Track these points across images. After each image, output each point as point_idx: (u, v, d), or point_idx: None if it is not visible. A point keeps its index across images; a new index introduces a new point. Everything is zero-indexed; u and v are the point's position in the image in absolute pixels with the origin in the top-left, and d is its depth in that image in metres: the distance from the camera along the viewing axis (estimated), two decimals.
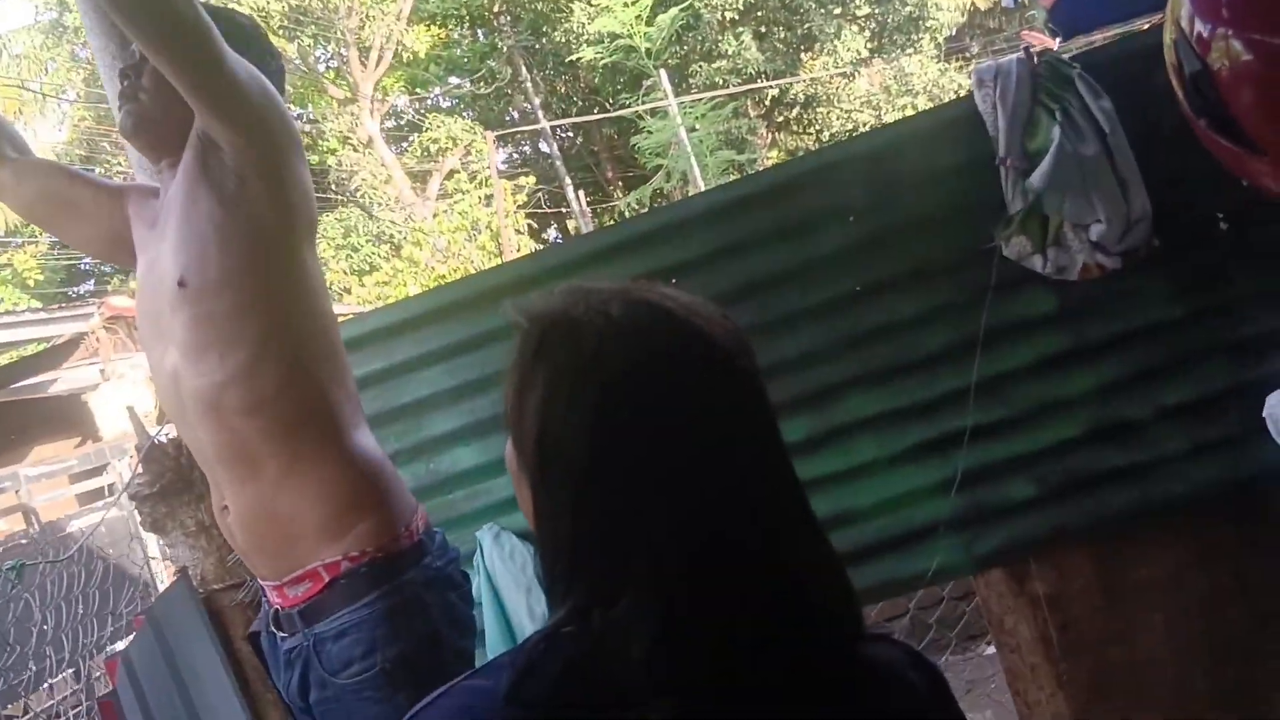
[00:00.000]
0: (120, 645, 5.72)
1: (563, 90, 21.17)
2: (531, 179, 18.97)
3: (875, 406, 3.07)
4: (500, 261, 8.00)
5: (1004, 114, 2.90)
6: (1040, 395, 3.02)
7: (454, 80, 20.59)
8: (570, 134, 23.05)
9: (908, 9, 17.44)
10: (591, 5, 16.17)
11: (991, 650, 4.36)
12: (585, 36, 16.10)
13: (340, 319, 2.25)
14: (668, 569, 0.88)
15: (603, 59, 15.70)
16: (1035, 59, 2.92)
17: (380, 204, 16.60)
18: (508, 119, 20.36)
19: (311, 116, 19.16)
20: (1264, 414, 2.17)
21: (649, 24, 14.81)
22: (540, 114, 19.19)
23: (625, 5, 14.86)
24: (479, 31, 20.87)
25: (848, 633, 0.97)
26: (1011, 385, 3.02)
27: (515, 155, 22.71)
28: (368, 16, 15.93)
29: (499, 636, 3.01)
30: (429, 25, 18.56)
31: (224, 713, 2.90)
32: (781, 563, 0.92)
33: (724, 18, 16.43)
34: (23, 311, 11.64)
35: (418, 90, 19.59)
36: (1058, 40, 2.88)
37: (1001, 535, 3.04)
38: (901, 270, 3.03)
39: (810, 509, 0.98)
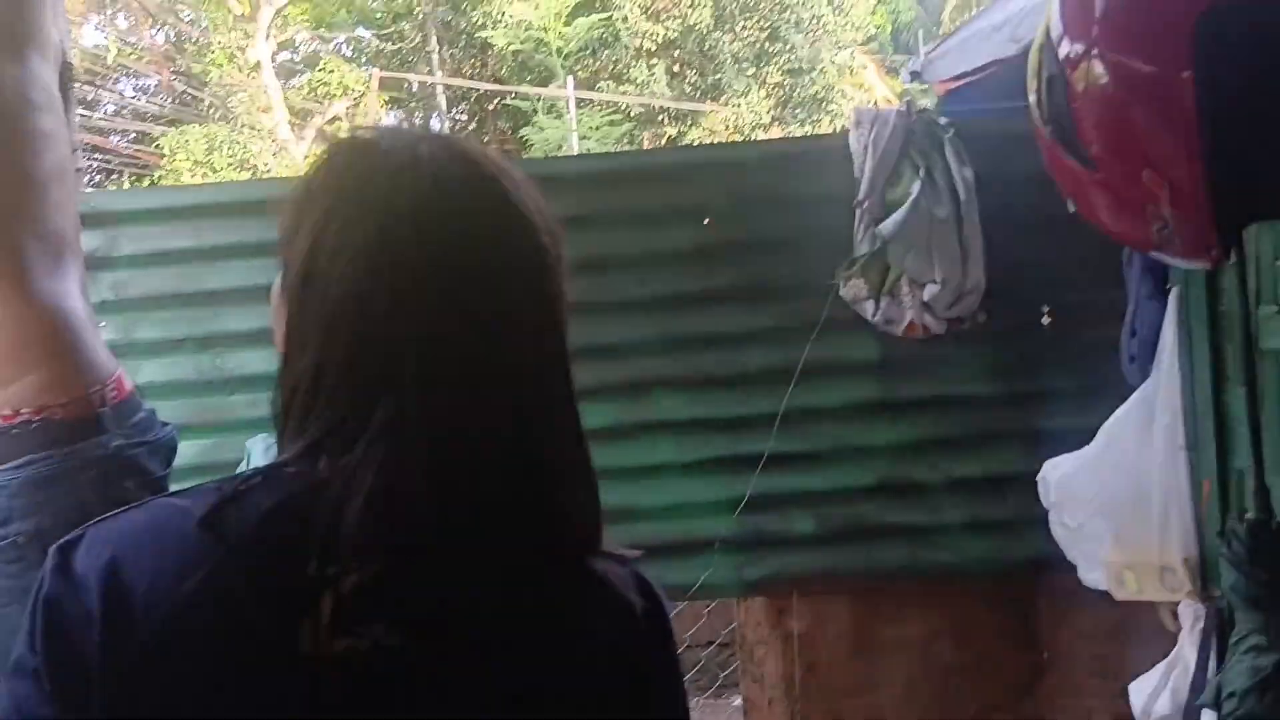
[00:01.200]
0: None
1: (468, 73, 20.88)
2: None
3: (683, 412, 3.05)
4: None
5: (872, 158, 2.94)
6: (841, 438, 3.06)
7: (361, 31, 20.05)
8: (464, 118, 22.75)
9: (815, 89, 17.93)
10: None
11: (738, 702, 4.38)
12: (502, 21, 15.95)
13: (156, 188, 2.04)
14: (407, 424, 0.80)
15: (513, 46, 15.57)
16: (913, 114, 2.98)
17: (253, 130, 15.95)
18: (405, 85, 19.93)
19: (204, 25, 18.32)
20: (1038, 476, 2.23)
21: (566, 25, 14.78)
22: (439, 85, 18.87)
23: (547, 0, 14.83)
24: None
25: (583, 545, 0.90)
26: (817, 421, 3.05)
27: (404, 123, 22.26)
28: None
29: None
30: None
31: None
32: (532, 455, 0.85)
33: (641, 46, 16.54)
34: None
35: (320, 30, 18.96)
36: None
37: (773, 564, 3.06)
38: (741, 284, 3.04)
39: (578, 416, 0.91)
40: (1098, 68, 1.16)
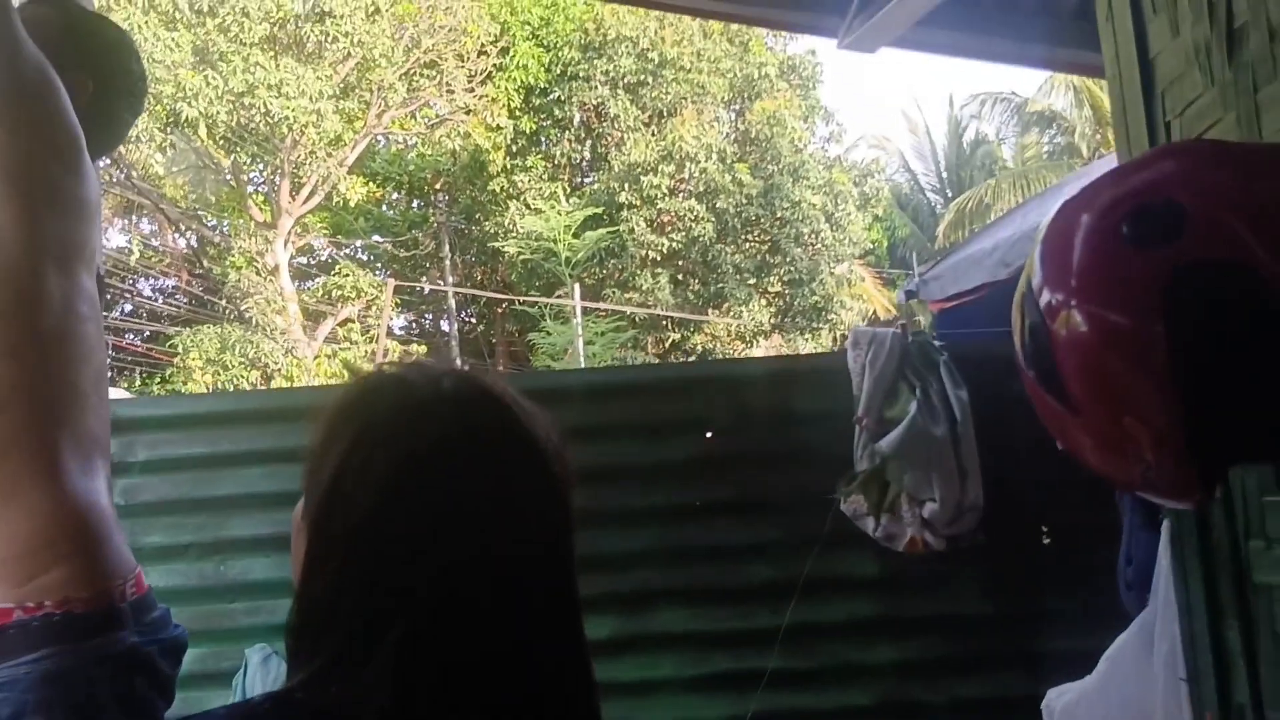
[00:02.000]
0: None
1: (479, 278, 21.55)
2: (423, 348, 18.97)
3: (685, 625, 3.03)
4: None
5: (870, 377, 3.03)
6: (844, 655, 3.03)
7: (376, 238, 20.82)
8: (473, 321, 23.30)
9: (815, 299, 18.44)
10: (527, 207, 16.78)
11: None
12: (513, 232, 16.61)
13: (172, 396, 2.14)
14: (419, 649, 0.84)
15: (523, 255, 16.15)
16: (910, 336, 3.09)
17: (266, 331, 16.32)
18: (418, 289, 20.53)
19: (226, 231, 19.05)
20: (1042, 704, 2.20)
21: (575, 237, 15.38)
22: (450, 290, 19.43)
23: (558, 213, 15.47)
24: (414, 201, 21.34)
25: None
26: (819, 639, 3.03)
27: (414, 325, 22.78)
28: (311, 154, 16.18)
29: None
30: (368, 181, 18.92)
31: None
32: (536, 682, 0.88)
33: (647, 255, 17.15)
34: None
35: (338, 236, 19.69)
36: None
37: None
38: (743, 497, 3.07)
39: (582, 636, 0.94)
40: (1076, 318, 1.24)
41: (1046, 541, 3.06)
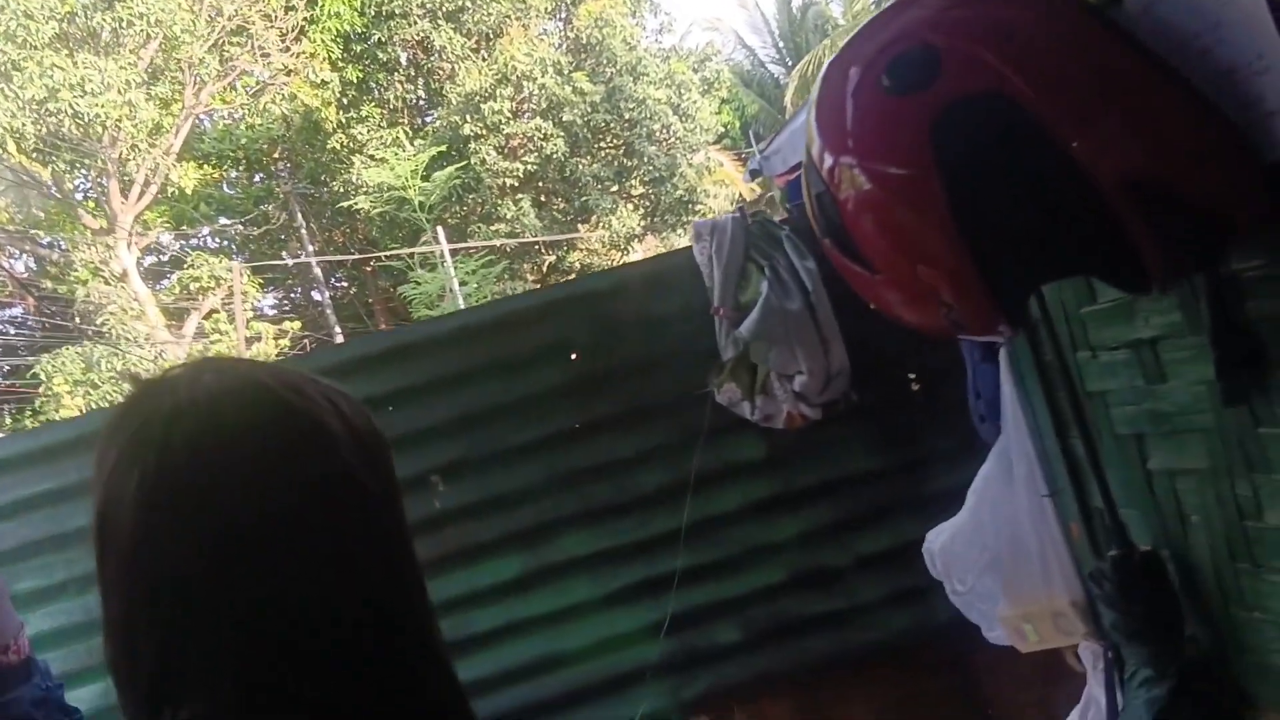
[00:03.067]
0: None
1: (340, 240, 20.97)
2: (298, 324, 18.47)
3: (589, 546, 3.04)
4: None
5: (719, 267, 3.03)
6: (747, 539, 3.08)
7: (224, 221, 20.04)
8: (345, 284, 22.73)
9: (679, 193, 18.43)
10: (372, 159, 16.31)
11: None
12: (362, 187, 16.16)
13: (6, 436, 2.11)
14: (221, 673, 0.78)
15: (377, 208, 15.74)
16: (749, 218, 3.09)
17: (129, 339, 15.67)
18: (280, 265, 19.89)
19: (63, 246, 18.12)
20: (923, 548, 2.28)
21: (425, 179, 15.04)
22: (313, 260, 18.88)
23: (401, 160, 15.08)
24: (255, 175, 20.55)
25: None
26: (721, 528, 3.07)
27: (285, 301, 22.13)
28: (133, 148, 15.38)
29: None
30: (201, 164, 18.11)
31: None
32: (360, 673, 0.82)
33: (504, 184, 16.88)
34: None
35: (183, 227, 18.89)
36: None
37: (708, 680, 3.03)
38: (620, 410, 3.07)
39: (421, 614, 0.88)
40: (857, 177, 1.23)
41: (915, 388, 3.13)
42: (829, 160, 1.27)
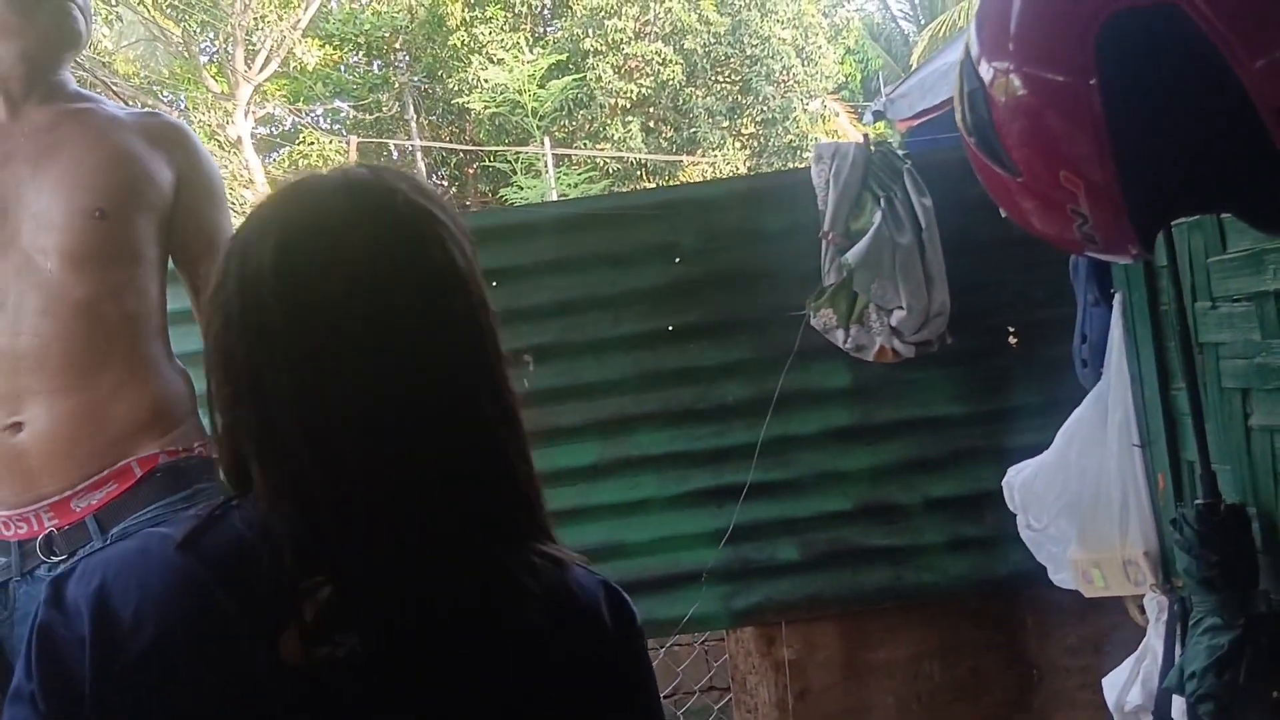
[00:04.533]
0: None
1: (446, 138, 21.11)
2: None
3: (664, 446, 3.11)
4: None
5: (835, 191, 3.04)
6: (820, 465, 3.12)
7: (338, 104, 20.30)
8: (445, 183, 22.95)
9: (789, 138, 18.18)
10: (491, 61, 16.34)
11: None
12: (477, 88, 16.22)
13: None
14: (334, 435, 0.83)
15: (489, 110, 15.80)
16: (872, 147, 3.08)
17: (235, 207, 16.08)
18: (385, 154, 20.14)
19: (183, 105, 18.54)
20: (1003, 482, 2.29)
21: (541, 87, 15.04)
22: (418, 151, 19.07)
23: (521, 63, 15.09)
24: (374, 62, 20.73)
25: (526, 544, 0.91)
26: (795, 450, 3.11)
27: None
28: (263, 18, 15.62)
29: None
30: (324, 44, 18.32)
31: None
32: (445, 472, 0.86)
33: (616, 103, 16.81)
34: None
35: (298, 104, 19.19)
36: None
37: (760, 594, 3.10)
38: (714, 318, 3.11)
39: (504, 404, 0.91)
40: (1015, 81, 1.24)
41: (1013, 341, 3.11)
42: (987, 58, 1.28)
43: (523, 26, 17.90)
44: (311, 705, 0.81)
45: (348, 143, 16.47)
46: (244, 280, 0.85)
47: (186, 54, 17.77)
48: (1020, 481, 2.22)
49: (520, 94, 14.61)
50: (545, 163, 14.32)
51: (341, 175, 0.90)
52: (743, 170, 18.44)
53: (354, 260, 0.84)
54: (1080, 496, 2.03)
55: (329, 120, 20.97)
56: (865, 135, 3.13)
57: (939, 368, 3.08)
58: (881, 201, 3.01)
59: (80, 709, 0.82)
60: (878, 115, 4.97)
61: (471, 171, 19.86)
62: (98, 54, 17.16)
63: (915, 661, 3.15)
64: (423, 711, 0.84)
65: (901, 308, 2.98)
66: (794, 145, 18.49)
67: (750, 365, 3.10)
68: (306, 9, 16.58)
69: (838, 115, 19.47)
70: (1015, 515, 2.84)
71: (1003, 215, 1.36)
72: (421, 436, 0.85)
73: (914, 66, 20.09)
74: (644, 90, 16.81)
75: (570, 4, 17.47)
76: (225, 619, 0.82)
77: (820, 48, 17.65)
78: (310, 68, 17.35)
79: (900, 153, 3.10)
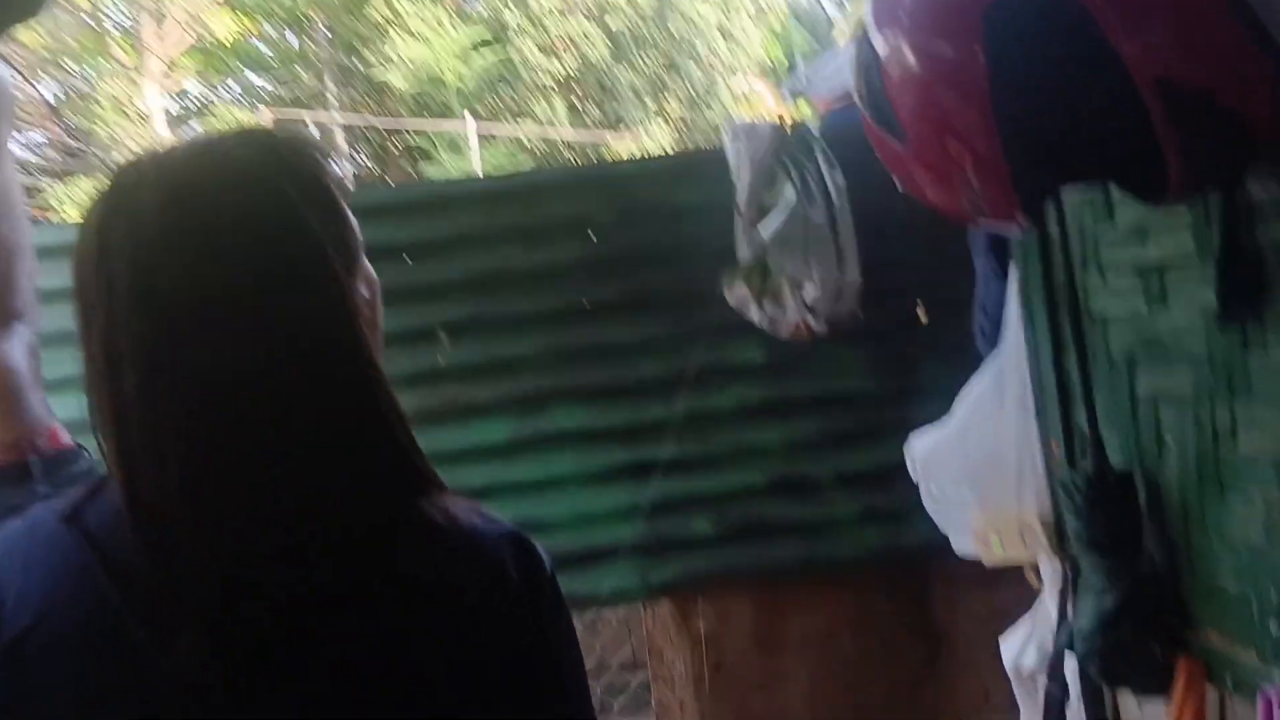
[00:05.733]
0: None
1: (366, 115, 20.71)
2: None
3: (580, 423, 3.11)
4: None
5: (749, 168, 3.05)
6: (735, 440, 3.15)
7: (253, 77, 19.82)
8: (367, 162, 22.56)
9: (715, 117, 18.20)
10: (412, 35, 16.09)
11: None
12: (398, 63, 15.96)
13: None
14: (164, 420, 0.80)
15: (411, 88, 15.58)
16: (787, 126, 3.10)
17: None
18: (302, 126, 19.73)
19: (86, 74, 17.94)
20: (904, 448, 2.35)
21: (464, 63, 14.87)
22: (337, 126, 18.71)
23: (443, 38, 14.90)
24: (290, 35, 20.27)
25: (417, 499, 0.89)
26: (710, 426, 3.14)
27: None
28: None
29: None
30: (239, 15, 17.85)
31: None
32: (314, 435, 0.84)
33: (540, 81, 16.68)
34: None
35: (212, 75, 18.70)
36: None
37: (676, 567, 3.13)
38: (629, 295, 3.12)
39: (375, 376, 0.88)
40: (905, 51, 1.26)
41: (923, 318, 3.17)
42: (879, 28, 1.30)
43: (443, 1, 17.65)
44: (195, 689, 0.79)
45: (260, 118, 16.06)
46: (103, 252, 0.83)
47: (92, 22, 17.20)
48: (921, 450, 2.27)
49: (443, 70, 14.40)
50: (468, 140, 14.16)
51: (194, 143, 0.88)
52: (669, 150, 18.44)
53: (199, 228, 0.82)
54: (979, 463, 2.09)
55: (245, 96, 20.47)
56: (780, 116, 3.16)
57: (852, 344, 3.13)
58: (794, 178, 3.04)
59: None
60: (796, 94, 5.00)
61: (393, 149, 19.55)
62: None
63: (828, 633, 3.21)
64: (318, 683, 0.82)
65: (814, 282, 3.02)
66: (719, 125, 18.52)
67: (666, 341, 3.12)
68: None
69: (763, 95, 19.57)
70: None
71: (900, 190, 1.39)
72: (288, 400, 0.83)
73: (836, 46, 20.30)
74: (568, 68, 16.71)
75: None
76: (106, 594, 0.80)
77: (744, 29, 17.69)
78: (226, 40, 16.87)
79: (814, 130, 3.12)
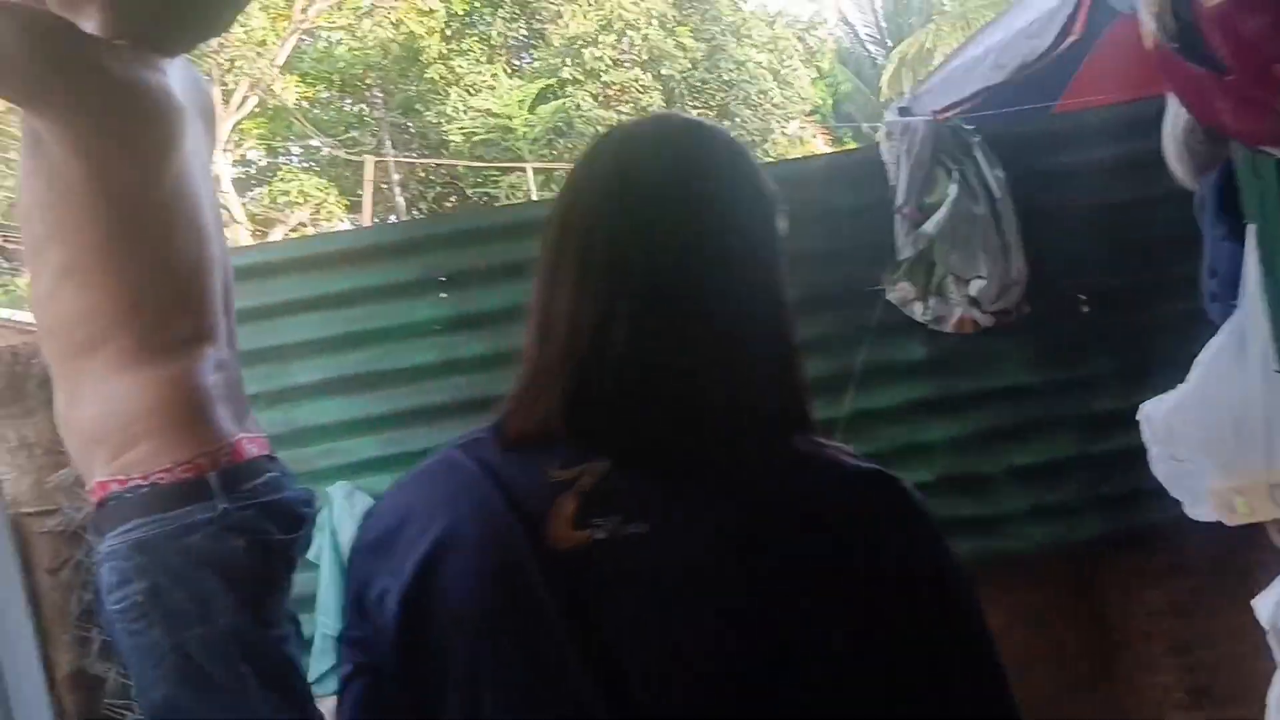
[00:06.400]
0: None
1: (422, 174, 21.11)
2: None
3: None
4: None
5: (906, 166, 3.09)
6: (902, 437, 3.15)
7: (313, 142, 20.27)
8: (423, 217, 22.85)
9: (769, 161, 18.35)
10: (469, 93, 16.42)
11: None
12: (456, 119, 16.27)
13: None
14: (639, 333, 0.90)
15: (477, 136, 15.84)
16: (938, 123, 3.14)
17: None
18: (361, 192, 20.12)
19: None
20: (1138, 416, 2.33)
21: (531, 112, 15.14)
22: (397, 189, 19.06)
23: (509, 89, 15.18)
24: (345, 100, 20.76)
25: (792, 422, 0.99)
26: (876, 424, 3.14)
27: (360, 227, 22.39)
28: (240, 56, 15.62)
29: (334, 596, 2.84)
30: (300, 79, 18.33)
31: (14, 643, 2.61)
32: (739, 347, 0.95)
33: (597, 131, 16.92)
34: None
35: (275, 139, 19.17)
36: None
37: None
38: (795, 295, 3.13)
39: (780, 307, 1.04)
40: None
41: (1086, 310, 3.17)
42: None
43: (499, 58, 18.02)
44: (576, 585, 0.85)
45: (364, 160, 16.37)
46: (592, 169, 0.97)
47: None
48: (1161, 413, 2.25)
49: (511, 118, 14.65)
50: (529, 188, 14.36)
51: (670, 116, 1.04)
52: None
53: (685, 159, 0.96)
54: (1222, 425, 2.07)
55: (304, 159, 20.93)
56: (933, 111, 3.19)
57: (1016, 337, 3.13)
58: (954, 175, 3.07)
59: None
60: (902, 111, 5.02)
61: (451, 204, 19.86)
62: None
63: (1002, 630, 3.14)
64: (686, 586, 0.85)
65: (980, 277, 3.03)
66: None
67: (829, 341, 3.13)
68: (284, 45, 16.61)
69: (814, 138, 19.71)
70: (1098, 482, 2.88)
71: (1202, 121, 1.40)
72: (738, 328, 0.95)
73: (883, 90, 20.38)
74: (623, 117, 16.94)
75: (546, 35, 17.63)
76: (497, 513, 0.87)
77: (795, 69, 17.88)
78: (290, 104, 17.31)
79: (969, 127, 3.16)
